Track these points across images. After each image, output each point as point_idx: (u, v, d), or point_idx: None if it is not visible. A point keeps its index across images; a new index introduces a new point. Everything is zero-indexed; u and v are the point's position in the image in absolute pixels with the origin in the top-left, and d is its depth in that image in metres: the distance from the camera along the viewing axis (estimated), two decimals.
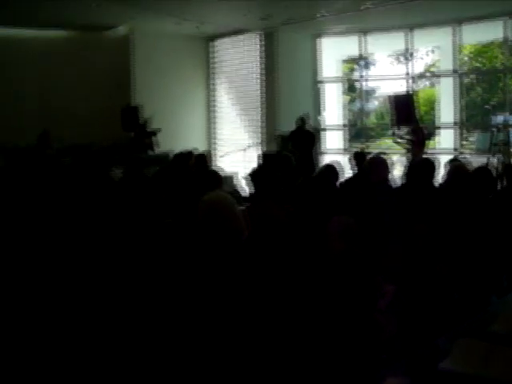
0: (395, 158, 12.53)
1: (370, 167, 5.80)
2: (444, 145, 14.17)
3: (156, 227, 3.34)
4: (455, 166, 6.02)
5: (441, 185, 5.94)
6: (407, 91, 13.52)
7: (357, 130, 16.41)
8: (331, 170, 6.37)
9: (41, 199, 5.13)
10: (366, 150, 10.91)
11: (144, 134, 13.27)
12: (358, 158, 7.41)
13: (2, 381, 2.63)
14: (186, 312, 2.78)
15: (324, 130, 15.25)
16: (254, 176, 5.44)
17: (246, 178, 5.53)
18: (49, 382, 2.68)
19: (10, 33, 13.97)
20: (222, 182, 5.75)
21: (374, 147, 14.53)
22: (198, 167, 8.11)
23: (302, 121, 12.19)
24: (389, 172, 5.93)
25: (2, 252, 3.32)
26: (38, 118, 13.26)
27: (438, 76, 15.40)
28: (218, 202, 2.92)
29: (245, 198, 5.87)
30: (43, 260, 3.31)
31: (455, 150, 13.18)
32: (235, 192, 7.05)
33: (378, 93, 19.16)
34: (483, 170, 5.93)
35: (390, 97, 12.42)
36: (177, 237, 3.85)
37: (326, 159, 13.88)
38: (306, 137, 12.02)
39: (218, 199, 2.97)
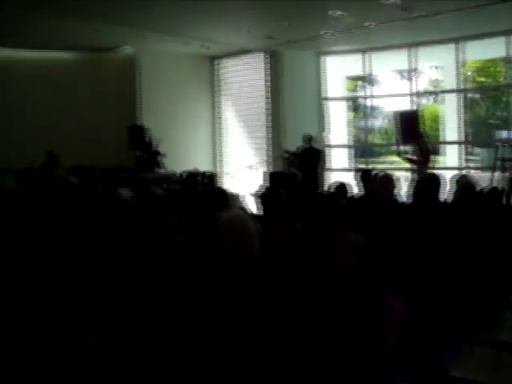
0: (401, 174, 12.58)
1: (379, 185, 5.86)
2: (449, 161, 14.19)
3: (168, 245, 3.40)
4: (464, 182, 6.08)
5: (450, 200, 6.00)
6: (412, 108, 13.58)
7: (362, 148, 16.46)
8: (340, 188, 6.42)
9: (51, 218, 5.20)
10: (372, 168, 10.94)
11: (150, 154, 13.36)
12: (365, 175, 7.43)
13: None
14: (195, 326, 2.83)
15: (329, 147, 15.30)
16: (262, 196, 5.50)
17: (253, 197, 5.58)
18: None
19: (14, 55, 14.11)
20: (229, 200, 5.80)
21: (379, 164, 14.60)
22: (204, 186, 8.17)
23: (308, 139, 12.26)
24: (394, 188, 5.99)
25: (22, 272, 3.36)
26: (46, 138, 13.35)
27: (442, 93, 15.49)
28: (235, 220, 2.97)
29: (252, 217, 5.91)
30: (57, 278, 3.35)
31: (459, 168, 13.13)
32: (242, 210, 7.11)
33: (383, 110, 19.25)
34: (493, 189, 6.05)
35: (395, 113, 12.39)
36: (189, 254, 3.91)
37: (332, 177, 13.94)
38: (313, 155, 12.08)
39: (235, 217, 3.02)
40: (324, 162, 13.05)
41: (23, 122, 13.82)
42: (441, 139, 14.74)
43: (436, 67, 17.82)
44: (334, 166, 15.14)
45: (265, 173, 11.90)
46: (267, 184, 8.78)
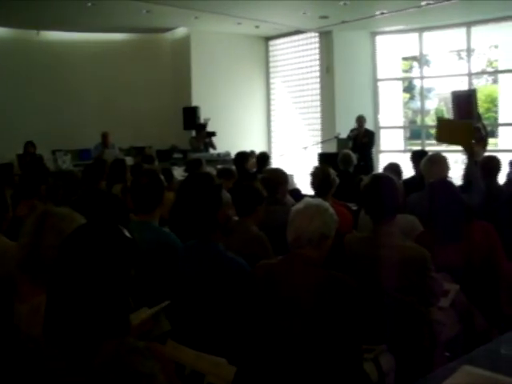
0: (455, 156, 12.37)
1: (429, 166, 5.75)
2: (505, 144, 13.84)
3: (221, 224, 3.42)
4: None
5: (504, 183, 5.92)
6: (469, 88, 13.23)
7: (416, 129, 16.22)
8: (394, 170, 6.34)
9: (109, 199, 5.28)
10: (425, 149, 10.78)
11: (204, 135, 13.43)
12: (416, 156, 7.30)
13: None
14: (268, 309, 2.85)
15: (383, 128, 15.11)
16: (313, 175, 5.52)
17: (310, 177, 5.60)
18: None
19: (70, 37, 14.36)
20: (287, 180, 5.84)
21: (435, 146, 14.34)
22: (258, 166, 8.20)
23: (361, 120, 12.15)
24: (448, 170, 5.87)
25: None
26: (100, 119, 13.62)
27: (501, 73, 15.12)
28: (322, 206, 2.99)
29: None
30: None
31: None
32: (295, 190, 7.13)
33: (437, 91, 18.89)
34: None
35: (453, 93, 12.06)
36: (244, 234, 3.95)
37: (385, 158, 13.78)
38: (366, 136, 11.98)
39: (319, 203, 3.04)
40: (376, 143, 12.91)
41: (80, 104, 14.07)
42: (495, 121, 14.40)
43: (496, 46, 17.38)
44: (387, 147, 14.93)
45: (319, 154, 11.89)
46: (321, 165, 8.77)
